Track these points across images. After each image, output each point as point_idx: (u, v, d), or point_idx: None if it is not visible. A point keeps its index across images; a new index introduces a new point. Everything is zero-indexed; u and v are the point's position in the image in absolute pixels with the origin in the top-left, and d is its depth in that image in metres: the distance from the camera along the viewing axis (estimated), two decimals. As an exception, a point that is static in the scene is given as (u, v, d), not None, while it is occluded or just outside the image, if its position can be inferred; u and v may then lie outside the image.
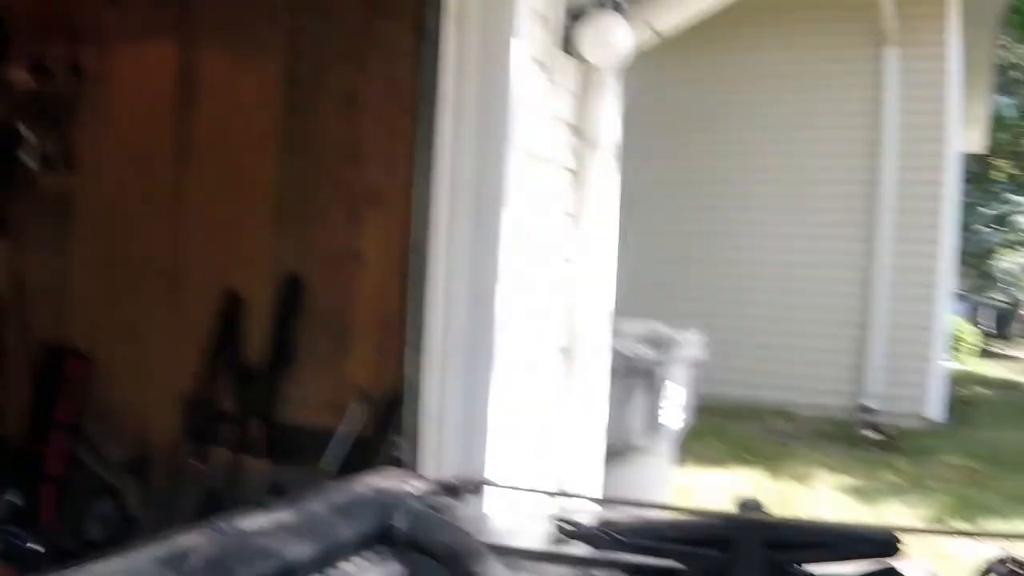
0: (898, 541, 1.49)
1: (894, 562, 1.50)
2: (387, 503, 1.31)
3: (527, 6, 3.00)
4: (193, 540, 1.12)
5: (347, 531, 1.21)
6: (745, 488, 6.22)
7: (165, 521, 3.69)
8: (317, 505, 1.29)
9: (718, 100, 9.38)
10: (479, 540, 1.34)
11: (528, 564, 1.63)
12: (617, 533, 1.61)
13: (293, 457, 3.84)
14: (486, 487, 1.65)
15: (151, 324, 4.13)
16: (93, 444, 4.25)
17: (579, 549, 1.64)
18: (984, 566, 1.48)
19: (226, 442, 3.91)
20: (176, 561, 1.06)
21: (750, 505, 1.58)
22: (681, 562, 1.57)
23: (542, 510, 1.92)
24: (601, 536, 1.61)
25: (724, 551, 1.54)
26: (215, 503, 3.76)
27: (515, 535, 1.84)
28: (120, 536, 3.99)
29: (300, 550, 1.11)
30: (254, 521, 1.20)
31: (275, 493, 3.63)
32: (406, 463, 2.93)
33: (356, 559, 1.21)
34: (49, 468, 4.23)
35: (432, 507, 1.38)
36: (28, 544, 4.07)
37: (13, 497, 4.29)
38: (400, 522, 1.27)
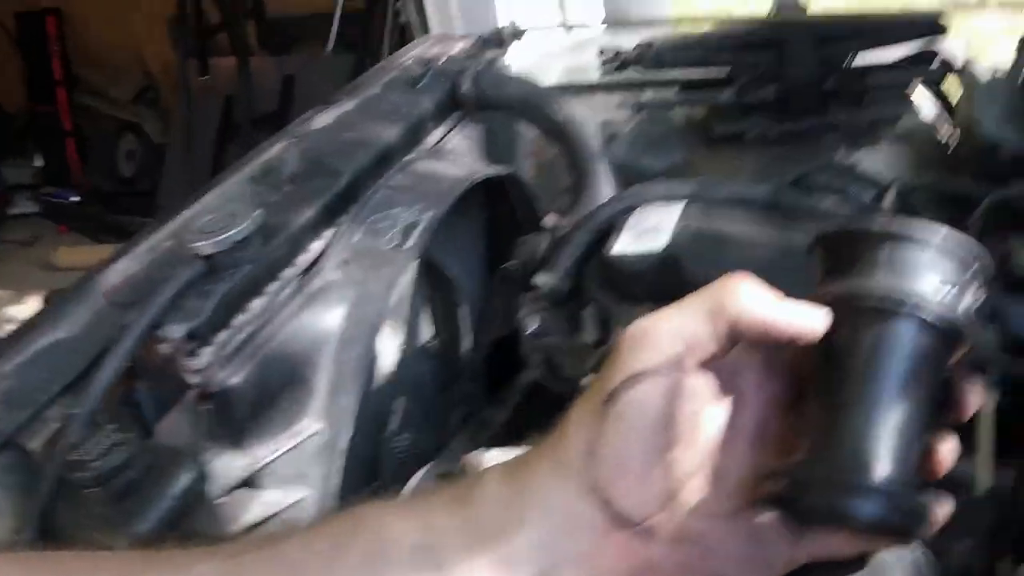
0: (945, 22, 1.48)
1: (940, 42, 1.50)
2: (446, 69, 1.30)
3: None
4: (275, 153, 1.13)
5: (422, 106, 1.21)
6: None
7: (188, 143, 3.71)
8: (379, 89, 1.28)
9: None
10: (543, 86, 1.35)
11: (584, 98, 1.64)
12: (662, 51, 1.60)
13: (293, 47, 3.79)
14: (524, 33, 1.62)
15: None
16: (97, 91, 4.19)
17: (628, 75, 1.64)
18: None
19: (224, 51, 3.83)
20: (268, 176, 1.08)
21: (789, 5, 1.55)
22: (731, 69, 1.57)
23: (579, 47, 1.90)
24: (648, 57, 1.60)
25: (773, 53, 1.53)
26: (230, 110, 3.76)
27: (560, 75, 1.84)
28: (150, 166, 4.06)
29: (388, 133, 1.12)
30: (326, 119, 1.20)
31: (287, 85, 3.62)
32: (414, 27, 2.87)
33: (436, 131, 1.22)
34: (64, 124, 4.22)
35: (487, 64, 1.36)
36: (69, 198, 4.18)
37: (35, 161, 4.34)
38: (466, 85, 1.27)
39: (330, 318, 0.94)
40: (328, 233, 1.01)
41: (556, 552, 0.48)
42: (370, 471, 1.11)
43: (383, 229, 1.00)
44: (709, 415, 0.49)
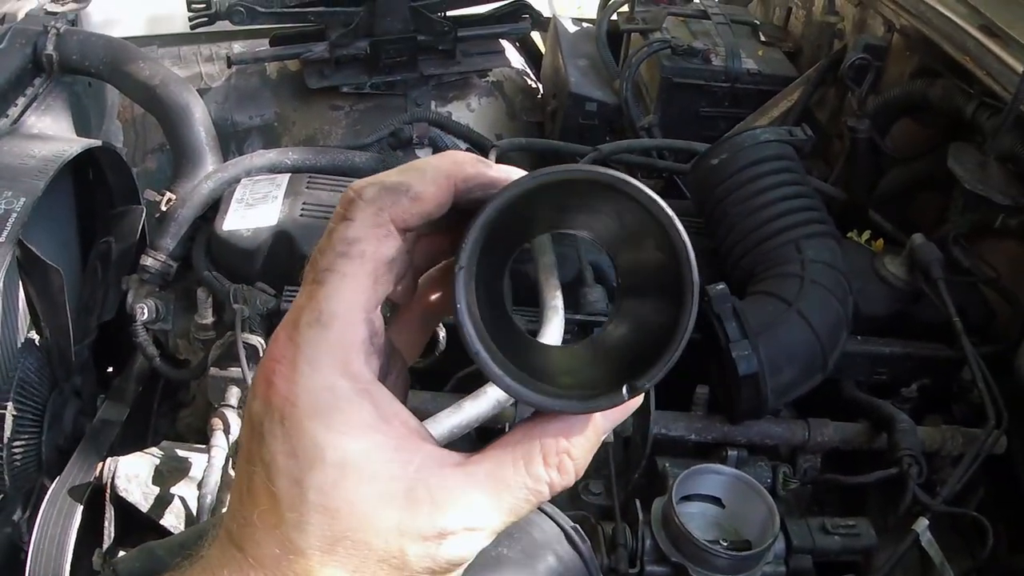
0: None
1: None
2: (26, 29, 1.19)
3: None
4: None
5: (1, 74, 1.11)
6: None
7: None
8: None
9: None
10: (130, 45, 1.28)
11: (172, 50, 1.57)
12: (252, 5, 1.58)
13: None
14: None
15: None
16: None
17: (217, 25, 1.60)
18: None
19: None
20: None
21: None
22: (323, 22, 1.60)
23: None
24: (238, 11, 1.56)
25: (365, 5, 1.58)
26: None
27: (145, 25, 1.74)
28: None
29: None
30: None
31: None
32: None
33: (19, 101, 1.13)
34: None
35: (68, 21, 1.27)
36: None
37: None
38: (49, 47, 1.17)
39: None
40: None
41: None
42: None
43: (-31, 221, 0.91)
44: None
